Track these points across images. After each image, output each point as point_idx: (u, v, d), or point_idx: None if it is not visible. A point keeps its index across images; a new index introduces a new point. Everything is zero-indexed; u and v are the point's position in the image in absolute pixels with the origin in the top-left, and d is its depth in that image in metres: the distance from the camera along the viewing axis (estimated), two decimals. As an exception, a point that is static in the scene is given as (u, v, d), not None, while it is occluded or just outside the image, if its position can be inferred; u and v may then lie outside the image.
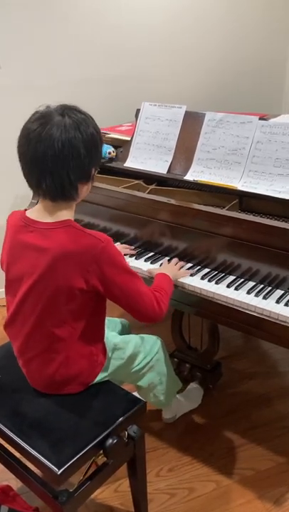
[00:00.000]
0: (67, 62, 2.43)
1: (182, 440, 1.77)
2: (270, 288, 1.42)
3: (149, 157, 1.82)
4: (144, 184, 1.81)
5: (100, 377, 1.34)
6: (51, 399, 1.30)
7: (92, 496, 1.49)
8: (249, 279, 1.47)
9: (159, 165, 1.79)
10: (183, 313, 1.88)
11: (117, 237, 1.76)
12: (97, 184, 1.73)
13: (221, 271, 1.52)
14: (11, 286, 1.26)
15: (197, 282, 1.48)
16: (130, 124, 2.22)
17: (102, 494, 1.57)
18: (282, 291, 1.40)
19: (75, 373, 1.28)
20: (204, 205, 1.58)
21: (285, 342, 1.33)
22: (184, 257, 1.59)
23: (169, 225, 1.61)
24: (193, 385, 1.93)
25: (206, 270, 1.54)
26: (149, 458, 1.59)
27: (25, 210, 1.26)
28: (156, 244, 1.66)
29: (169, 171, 1.77)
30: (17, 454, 1.27)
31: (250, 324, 1.38)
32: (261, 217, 1.52)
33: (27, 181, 1.17)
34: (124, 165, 1.87)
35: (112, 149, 1.93)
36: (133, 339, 1.49)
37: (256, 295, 1.40)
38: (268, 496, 1.56)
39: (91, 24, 2.44)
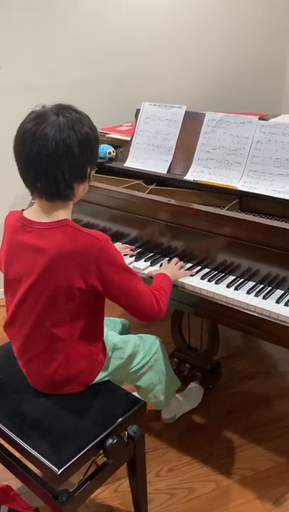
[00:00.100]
0: (67, 62, 2.43)
1: (182, 440, 1.77)
2: (270, 288, 1.42)
3: (149, 157, 1.82)
4: (144, 184, 1.81)
5: (100, 376, 1.34)
6: (51, 399, 1.30)
7: (92, 496, 1.50)
8: (249, 279, 1.47)
9: (159, 165, 1.79)
10: (183, 313, 1.88)
11: (117, 237, 1.76)
12: (97, 184, 1.73)
13: (220, 271, 1.52)
14: (9, 287, 1.26)
15: (197, 282, 1.48)
16: (130, 124, 2.22)
17: (102, 494, 1.57)
18: (282, 291, 1.40)
19: (75, 373, 1.28)
20: (204, 205, 1.58)
21: (285, 342, 1.33)
22: (183, 257, 1.59)
23: (169, 225, 1.61)
24: (193, 385, 1.93)
25: (206, 270, 1.54)
26: (149, 458, 1.59)
27: (23, 210, 1.26)
28: (156, 245, 1.66)
29: (169, 171, 1.77)
30: (17, 454, 1.27)
31: (250, 324, 1.38)
32: (261, 217, 1.52)
33: (23, 181, 1.17)
34: (124, 165, 1.87)
35: (112, 149, 1.94)
36: (132, 339, 1.49)
37: (256, 295, 1.40)
38: (267, 495, 1.56)
39: (91, 24, 2.44)
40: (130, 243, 1.73)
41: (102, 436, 1.20)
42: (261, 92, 3.13)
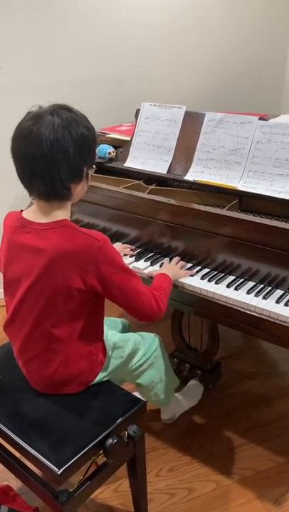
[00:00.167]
0: (67, 62, 2.43)
1: (182, 440, 1.77)
2: (269, 288, 1.42)
3: (149, 157, 1.82)
4: (144, 184, 1.81)
5: (100, 377, 1.34)
6: (51, 399, 1.30)
7: (92, 496, 1.50)
8: (249, 279, 1.47)
9: (159, 165, 1.79)
10: (183, 313, 1.88)
11: (117, 237, 1.76)
12: (97, 184, 1.73)
13: (220, 271, 1.52)
14: (9, 288, 1.26)
15: (197, 282, 1.48)
16: (130, 124, 2.22)
17: (102, 494, 1.57)
18: (282, 291, 1.40)
19: (74, 373, 1.28)
20: (204, 205, 1.58)
21: (285, 342, 1.33)
22: (183, 257, 1.59)
23: (169, 225, 1.61)
24: (192, 382, 1.92)
25: (206, 270, 1.54)
26: (149, 458, 1.59)
27: (22, 210, 1.26)
28: (156, 245, 1.66)
29: (168, 171, 1.77)
30: (17, 454, 1.27)
31: (250, 324, 1.38)
32: (261, 217, 1.52)
33: (21, 181, 1.17)
34: (124, 165, 1.87)
35: (112, 149, 1.94)
36: (132, 337, 1.49)
37: (256, 295, 1.40)
38: (267, 495, 1.56)
39: (91, 24, 2.44)
40: (130, 243, 1.73)
41: (102, 436, 1.20)
42: (261, 92, 3.13)
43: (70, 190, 1.17)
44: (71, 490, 1.19)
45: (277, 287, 1.42)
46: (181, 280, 1.49)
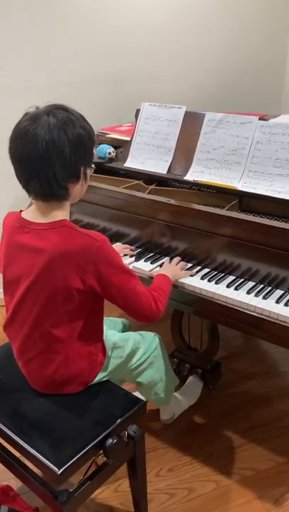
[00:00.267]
0: (67, 62, 2.43)
1: (182, 440, 1.77)
2: (269, 288, 1.42)
3: (149, 157, 1.82)
4: (143, 184, 1.81)
5: (100, 377, 1.34)
6: (51, 399, 1.30)
7: (92, 496, 1.50)
8: (249, 279, 1.47)
9: (158, 165, 1.79)
10: (183, 313, 1.88)
11: (117, 237, 1.76)
12: (97, 184, 1.73)
13: (220, 271, 1.53)
14: (8, 288, 1.26)
15: (197, 282, 1.48)
16: (130, 124, 2.22)
17: (102, 494, 1.58)
18: (282, 291, 1.40)
19: (74, 373, 1.28)
20: (204, 205, 1.58)
21: (285, 342, 1.33)
22: (183, 257, 1.59)
23: (168, 225, 1.61)
24: (190, 379, 1.92)
25: (206, 270, 1.54)
26: (149, 458, 1.59)
27: (21, 211, 1.26)
28: (156, 245, 1.66)
29: (168, 171, 1.77)
30: (17, 454, 1.27)
31: (249, 324, 1.38)
32: (261, 217, 1.52)
33: (19, 182, 1.17)
34: (124, 165, 1.87)
35: (112, 149, 1.94)
36: (132, 336, 1.49)
37: (256, 295, 1.40)
38: (267, 495, 1.56)
39: (91, 24, 2.44)
40: (130, 243, 1.73)
41: (102, 436, 1.20)
42: (261, 92, 3.13)
43: (68, 191, 1.17)
44: (71, 490, 1.19)
45: (277, 287, 1.42)
46: (181, 280, 1.49)
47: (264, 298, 1.38)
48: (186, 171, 1.72)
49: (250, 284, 1.45)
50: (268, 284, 1.44)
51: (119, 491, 1.58)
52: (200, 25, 2.79)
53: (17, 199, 2.38)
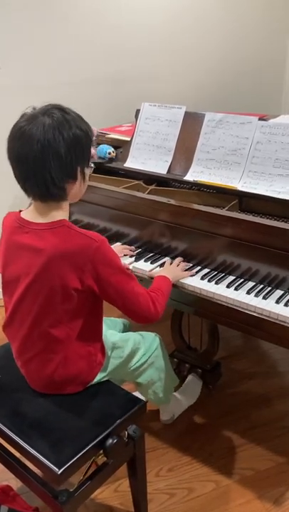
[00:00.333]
0: (67, 62, 2.43)
1: (182, 440, 1.77)
2: (269, 288, 1.42)
3: (148, 157, 1.82)
4: (143, 184, 1.81)
5: (99, 377, 1.34)
6: (51, 399, 1.30)
7: (92, 496, 1.50)
8: (249, 279, 1.47)
9: (158, 165, 1.79)
10: (182, 313, 1.89)
11: (117, 237, 1.76)
12: (97, 184, 1.73)
13: (220, 271, 1.53)
14: (7, 287, 1.27)
15: (197, 282, 1.48)
16: (130, 124, 2.22)
17: (102, 494, 1.58)
18: (282, 291, 1.40)
19: (73, 374, 1.28)
20: (204, 205, 1.58)
21: (284, 342, 1.33)
22: (183, 257, 1.59)
23: (168, 226, 1.61)
24: (190, 378, 1.92)
25: (206, 270, 1.54)
26: (149, 458, 1.59)
27: (20, 211, 1.26)
28: (156, 245, 1.66)
29: (168, 172, 1.77)
30: (17, 454, 1.27)
31: (249, 324, 1.38)
32: (261, 217, 1.52)
33: (17, 183, 1.17)
34: (124, 165, 1.87)
35: (112, 149, 1.94)
36: (132, 337, 1.49)
37: (256, 295, 1.40)
38: (267, 495, 1.56)
39: (91, 24, 2.44)
40: (130, 243, 1.73)
41: (102, 436, 1.20)
42: (261, 92, 3.13)
43: (65, 191, 1.17)
44: (71, 490, 1.19)
45: (277, 287, 1.42)
46: (181, 280, 1.49)
47: (264, 298, 1.38)
48: (186, 171, 1.72)
49: (250, 284, 1.45)
50: (268, 284, 1.44)
51: (119, 491, 1.58)
52: (200, 25, 2.79)
53: (17, 199, 2.37)
